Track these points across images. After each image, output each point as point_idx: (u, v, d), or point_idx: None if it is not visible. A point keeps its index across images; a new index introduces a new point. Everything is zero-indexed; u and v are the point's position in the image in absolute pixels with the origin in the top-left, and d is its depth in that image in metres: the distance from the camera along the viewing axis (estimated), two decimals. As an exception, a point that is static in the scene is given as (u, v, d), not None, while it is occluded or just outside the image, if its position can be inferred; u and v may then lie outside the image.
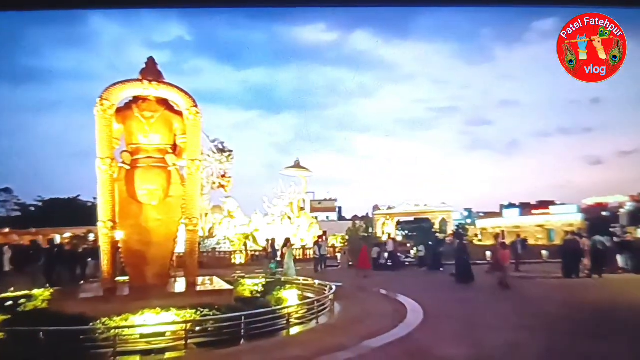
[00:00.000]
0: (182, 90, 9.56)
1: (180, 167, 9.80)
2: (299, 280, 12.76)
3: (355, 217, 66.90)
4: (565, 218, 53.88)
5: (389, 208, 66.49)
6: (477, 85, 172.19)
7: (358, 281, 15.85)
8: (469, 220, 77.89)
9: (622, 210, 72.27)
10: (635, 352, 6.56)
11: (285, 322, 8.37)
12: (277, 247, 17.49)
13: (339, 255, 21.45)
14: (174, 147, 9.79)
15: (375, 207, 68.01)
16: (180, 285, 9.62)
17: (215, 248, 23.60)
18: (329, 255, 20.89)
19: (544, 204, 72.54)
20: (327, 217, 62.90)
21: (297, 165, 26.17)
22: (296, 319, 8.69)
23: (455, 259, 16.78)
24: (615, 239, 19.17)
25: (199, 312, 7.49)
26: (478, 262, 22.08)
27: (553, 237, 46.63)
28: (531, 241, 44.52)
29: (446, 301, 12.05)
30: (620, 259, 18.18)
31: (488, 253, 20.66)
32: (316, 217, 33.94)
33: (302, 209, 26.39)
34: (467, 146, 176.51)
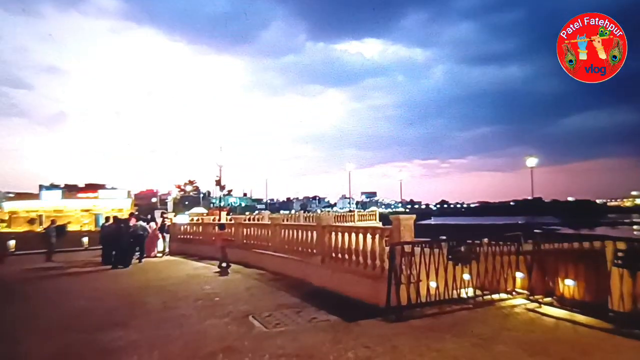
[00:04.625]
0: None
1: None
2: None
3: None
4: (115, 203, 56.83)
5: None
6: (14, 39, 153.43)
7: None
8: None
9: (169, 197, 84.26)
10: (159, 335, 7.10)
11: None
12: None
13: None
14: None
15: None
16: None
17: None
18: None
19: (91, 187, 74.04)
20: None
21: None
22: None
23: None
24: (151, 224, 20.87)
25: None
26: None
27: (100, 223, 48.40)
28: (76, 227, 44.30)
29: None
30: (160, 243, 20.51)
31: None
32: None
33: None
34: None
